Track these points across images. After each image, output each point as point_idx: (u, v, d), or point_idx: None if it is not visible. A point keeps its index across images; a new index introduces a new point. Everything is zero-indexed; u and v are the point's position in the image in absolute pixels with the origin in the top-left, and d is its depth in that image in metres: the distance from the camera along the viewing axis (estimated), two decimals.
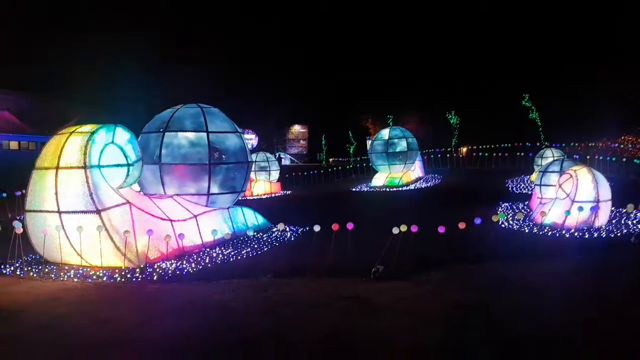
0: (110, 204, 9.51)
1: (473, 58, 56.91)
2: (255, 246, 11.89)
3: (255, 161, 27.83)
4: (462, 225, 9.53)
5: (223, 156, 12.34)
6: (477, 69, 56.12)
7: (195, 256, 10.74)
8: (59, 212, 9.17)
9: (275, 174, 28.38)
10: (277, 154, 75.81)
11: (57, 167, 9.21)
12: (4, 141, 42.92)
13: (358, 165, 39.41)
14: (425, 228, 9.53)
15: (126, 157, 10.20)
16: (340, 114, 67.63)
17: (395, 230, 9.29)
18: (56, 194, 9.14)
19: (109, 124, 10.11)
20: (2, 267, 9.56)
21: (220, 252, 11.17)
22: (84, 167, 9.20)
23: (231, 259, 10.66)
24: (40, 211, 9.27)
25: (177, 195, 12.07)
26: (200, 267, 9.94)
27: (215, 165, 12.17)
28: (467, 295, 7.40)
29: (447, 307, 6.97)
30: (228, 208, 12.95)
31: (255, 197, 25.64)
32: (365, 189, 29.23)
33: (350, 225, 9.71)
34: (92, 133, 9.59)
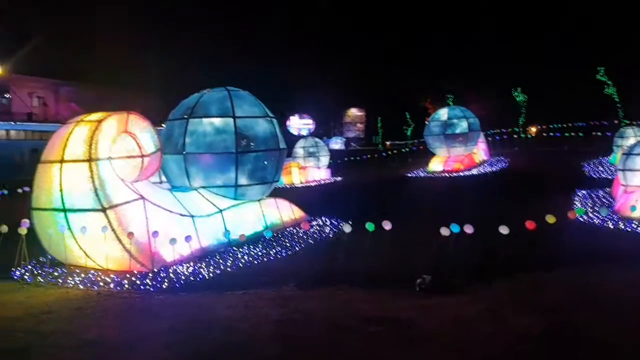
0: (119, 201, 8.47)
1: (539, 27, 52.28)
2: (287, 244, 10.59)
3: (304, 147, 26.59)
4: (530, 226, 7.71)
5: (251, 143, 11.06)
6: (545, 40, 51.66)
7: (218, 257, 9.58)
8: (65, 210, 8.23)
9: (324, 160, 27.00)
10: (338, 139, 74.68)
11: (62, 161, 8.26)
12: None
13: (415, 148, 37.28)
14: (485, 225, 7.82)
15: (140, 147, 9.11)
16: (398, 95, 64.90)
17: (444, 232, 7.65)
18: (61, 190, 8.19)
19: (121, 112, 9.05)
20: (14, 270, 8.75)
21: (247, 251, 9.96)
22: (89, 160, 8.18)
23: (256, 262, 9.41)
24: (46, 209, 8.37)
25: (203, 187, 10.95)
26: (219, 271, 8.75)
27: (243, 153, 10.91)
28: (538, 320, 5.70)
29: (511, 336, 5.33)
30: (259, 200, 11.71)
31: (301, 185, 24.42)
32: (422, 174, 27.32)
33: (387, 225, 8.14)
34: (100, 122, 8.55)
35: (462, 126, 27.37)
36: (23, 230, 8.47)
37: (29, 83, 45.36)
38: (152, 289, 7.91)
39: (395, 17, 67.70)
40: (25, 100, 46.36)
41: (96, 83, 48.84)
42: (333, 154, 31.63)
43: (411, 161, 35.04)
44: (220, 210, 10.57)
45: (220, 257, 9.55)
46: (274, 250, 10.09)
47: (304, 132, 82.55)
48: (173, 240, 8.69)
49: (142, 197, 8.94)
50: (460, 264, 7.40)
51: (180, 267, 8.85)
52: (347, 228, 8.63)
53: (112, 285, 8.05)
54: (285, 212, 12.48)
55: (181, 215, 9.63)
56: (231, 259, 9.51)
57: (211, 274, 8.57)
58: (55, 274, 8.60)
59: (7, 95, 43.30)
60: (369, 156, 33.75)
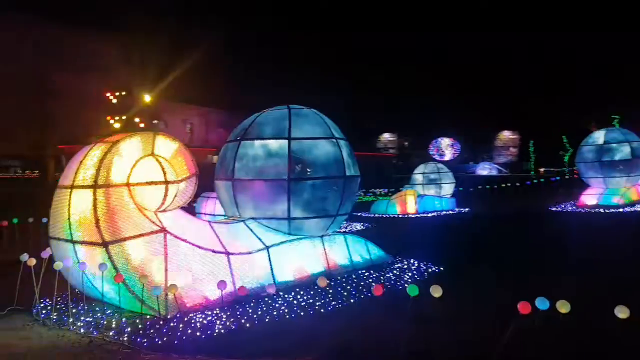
0: (130, 233, 7.41)
1: None
2: (344, 294, 8.62)
3: (424, 173, 24.09)
4: None
5: (308, 169, 9.38)
6: None
7: (253, 304, 8.01)
8: (72, 241, 7.40)
9: (448, 188, 24.11)
10: (486, 164, 69.02)
11: (72, 186, 7.47)
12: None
13: (567, 177, 32.12)
14: None
15: (165, 173, 8.02)
16: (554, 116, 57.99)
17: (562, 307, 5.12)
18: (68, 218, 7.38)
19: (146, 132, 8.09)
20: (35, 305, 8.11)
21: (286, 300, 8.24)
22: (94, 186, 7.26)
23: (288, 316, 7.60)
24: (59, 239, 7.64)
25: (252, 218, 9.55)
26: (234, 327, 7.12)
27: (297, 181, 9.28)
28: None
29: None
30: (322, 237, 9.94)
31: (415, 216, 21.92)
32: (570, 209, 23.01)
33: (436, 292, 5.78)
34: (116, 143, 7.64)
35: (623, 152, 22.54)
36: (58, 265, 7.64)
37: (183, 110, 49.68)
38: (145, 344, 6.59)
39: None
40: (179, 127, 50.91)
41: (244, 109, 51.37)
42: (478, 180, 28.45)
43: (561, 191, 30.16)
44: (267, 247, 9.03)
45: (256, 304, 7.98)
46: (320, 301, 8.21)
47: (448, 157, 78.41)
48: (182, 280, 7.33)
49: (164, 230, 7.79)
50: None
51: (200, 316, 7.45)
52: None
53: (111, 333, 6.93)
54: (357, 251, 10.51)
55: (213, 252, 8.29)
56: (264, 307, 7.87)
57: (222, 330, 6.99)
58: (72, 311, 7.79)
59: (157, 122, 47.63)
60: (506, 184, 29.74)
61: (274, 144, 9.44)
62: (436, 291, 5.50)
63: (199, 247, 8.17)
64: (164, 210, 8.23)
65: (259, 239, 9.14)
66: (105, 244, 7.11)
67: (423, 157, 63.02)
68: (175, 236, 7.94)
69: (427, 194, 23.62)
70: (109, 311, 7.75)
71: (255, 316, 7.56)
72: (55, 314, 7.72)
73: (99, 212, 7.17)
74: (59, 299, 8.22)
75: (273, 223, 9.47)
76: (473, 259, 12.08)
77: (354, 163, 10.23)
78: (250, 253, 8.78)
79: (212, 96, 48.80)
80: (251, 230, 9.27)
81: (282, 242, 9.29)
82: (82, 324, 7.24)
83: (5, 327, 7.25)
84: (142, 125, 41.83)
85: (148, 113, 45.08)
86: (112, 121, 40.31)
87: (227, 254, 8.48)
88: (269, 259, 8.97)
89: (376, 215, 22.51)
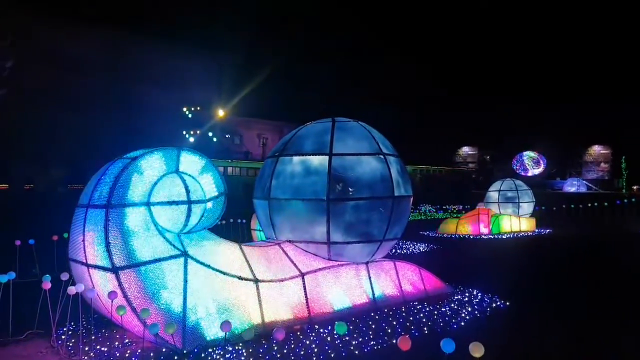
0: (145, 258, 6.80)
1: None
2: (389, 330, 7.51)
3: (500, 190, 22.16)
4: None
5: (350, 189, 8.38)
6: None
7: (282, 339, 7.11)
8: (87, 265, 6.91)
9: (526, 207, 21.97)
10: (574, 181, 63.87)
11: (88, 205, 7.01)
12: None
13: None
14: None
15: (188, 191, 7.37)
16: None
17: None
18: (83, 240, 6.91)
19: (170, 148, 7.51)
20: (57, 330, 7.67)
21: (324, 334, 7.27)
22: (107, 205, 6.73)
23: (316, 357, 6.61)
24: (75, 260, 7.19)
25: (289, 241, 8.69)
26: None
27: (337, 201, 8.31)
28: None
29: None
30: (367, 263, 8.87)
31: (488, 237, 20.05)
32: None
33: (403, 343, 4.62)
34: (135, 159, 7.11)
35: None
36: (71, 290, 7.11)
37: (257, 125, 50.28)
38: None
39: None
40: (254, 140, 51.59)
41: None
42: (563, 198, 26.01)
43: None
44: (302, 274, 8.13)
45: (286, 339, 7.08)
46: (358, 339, 7.16)
47: (532, 172, 73.66)
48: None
49: (185, 254, 7.13)
50: None
51: (219, 352, 6.67)
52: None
53: None
54: (409, 280, 9.32)
55: (240, 278, 7.51)
56: (292, 345, 6.96)
57: None
58: (87, 339, 7.32)
59: (229, 136, 48.42)
60: (593, 204, 26.80)
61: (313, 160, 8.56)
62: (477, 351, 4.27)
63: (224, 273, 7.43)
64: (189, 232, 7.58)
65: (294, 264, 8.25)
66: (115, 270, 6.53)
67: (506, 172, 59.49)
68: (198, 260, 7.25)
69: (503, 213, 21.66)
70: (126, 341, 7.19)
71: (279, 356, 6.67)
72: (72, 340, 7.25)
73: (111, 235, 6.61)
74: (82, 323, 7.77)
75: (311, 247, 8.55)
76: (548, 293, 10.44)
77: (405, 182, 9.09)
78: (282, 280, 7.92)
79: (286, 111, 49.15)
80: (286, 254, 8.41)
81: (319, 269, 8.34)
82: (93, 355, 6.70)
83: (16, 355, 6.87)
84: (215, 139, 42.81)
85: (223, 127, 46.08)
86: (187, 135, 41.60)
87: (256, 281, 7.67)
88: (304, 287, 8.05)
89: (444, 235, 20.91)
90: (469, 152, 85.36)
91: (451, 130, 73.69)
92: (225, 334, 6.34)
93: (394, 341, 7.05)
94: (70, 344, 7.10)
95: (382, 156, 8.79)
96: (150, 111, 37.70)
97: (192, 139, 41.15)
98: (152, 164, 7.22)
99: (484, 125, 71.08)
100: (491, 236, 20.26)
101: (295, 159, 8.71)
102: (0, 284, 7.43)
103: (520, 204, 21.79)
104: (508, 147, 76.31)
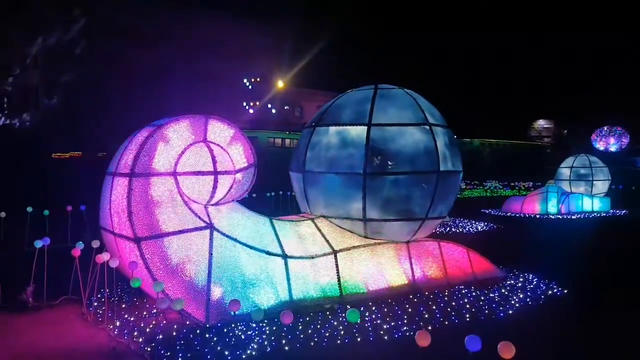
0: (170, 229, 6.60)
1: None
2: (427, 315, 6.95)
3: (572, 167, 20.50)
4: None
5: (389, 162, 7.75)
6: None
7: (309, 318, 6.77)
8: (114, 233, 6.83)
9: (601, 186, 20.18)
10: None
11: (114, 173, 6.88)
12: None
13: None
14: None
15: (215, 162, 7.07)
16: None
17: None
18: (110, 209, 6.82)
19: (197, 115, 7.21)
20: (91, 298, 7.70)
21: (347, 318, 6.85)
22: (130, 174, 6.55)
23: (340, 340, 6.20)
24: (105, 229, 7.14)
25: (324, 217, 8.25)
26: (269, 349, 5.92)
27: (374, 175, 7.72)
28: None
29: None
30: (408, 243, 8.27)
31: (556, 217, 18.61)
32: None
33: None
34: (161, 127, 6.86)
35: None
36: (102, 257, 7.10)
37: (317, 97, 49.70)
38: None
39: None
40: (314, 113, 51.25)
41: None
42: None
43: None
44: (335, 252, 7.68)
45: (313, 318, 6.74)
46: (390, 323, 6.67)
47: (613, 148, 68.44)
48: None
49: (210, 226, 6.87)
50: None
51: (242, 328, 6.42)
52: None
53: (141, 340, 6.20)
54: (455, 263, 8.63)
55: (268, 253, 7.19)
56: (318, 325, 6.59)
57: (254, 352, 5.84)
58: (122, 305, 7.32)
59: (287, 107, 48.19)
60: None
61: (351, 131, 7.98)
62: (506, 351, 3.62)
63: (251, 247, 7.12)
64: (217, 204, 7.32)
65: (327, 240, 7.81)
66: (137, 240, 6.38)
67: (584, 147, 55.57)
68: (224, 234, 6.98)
69: (574, 192, 20.05)
70: (154, 311, 7.10)
71: (302, 336, 6.31)
72: (103, 308, 7.25)
73: (133, 204, 6.45)
74: (115, 291, 7.77)
75: (346, 224, 8.06)
76: (613, 282, 9.38)
77: (453, 155, 8.32)
78: (313, 257, 7.52)
79: (350, 82, 48.14)
80: (319, 230, 7.98)
81: (353, 247, 7.85)
82: (119, 324, 6.66)
83: (46, 321, 6.95)
84: (273, 111, 42.81)
85: (282, 99, 45.96)
86: (247, 107, 41.86)
87: (285, 256, 7.32)
88: (337, 265, 7.61)
89: (508, 214, 19.67)
90: (545, 126, 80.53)
91: (526, 103, 69.58)
92: (234, 312, 6.02)
93: (429, 328, 6.51)
94: (100, 312, 7.12)
95: (427, 127, 8.05)
96: (214, 81, 38.18)
97: (251, 111, 41.37)
98: (178, 132, 6.96)
99: (560, 95, 66.53)
100: (559, 216, 18.83)
101: (332, 129, 8.17)
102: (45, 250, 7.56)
103: (594, 182, 20.02)
104: (587, 122, 71.13)
